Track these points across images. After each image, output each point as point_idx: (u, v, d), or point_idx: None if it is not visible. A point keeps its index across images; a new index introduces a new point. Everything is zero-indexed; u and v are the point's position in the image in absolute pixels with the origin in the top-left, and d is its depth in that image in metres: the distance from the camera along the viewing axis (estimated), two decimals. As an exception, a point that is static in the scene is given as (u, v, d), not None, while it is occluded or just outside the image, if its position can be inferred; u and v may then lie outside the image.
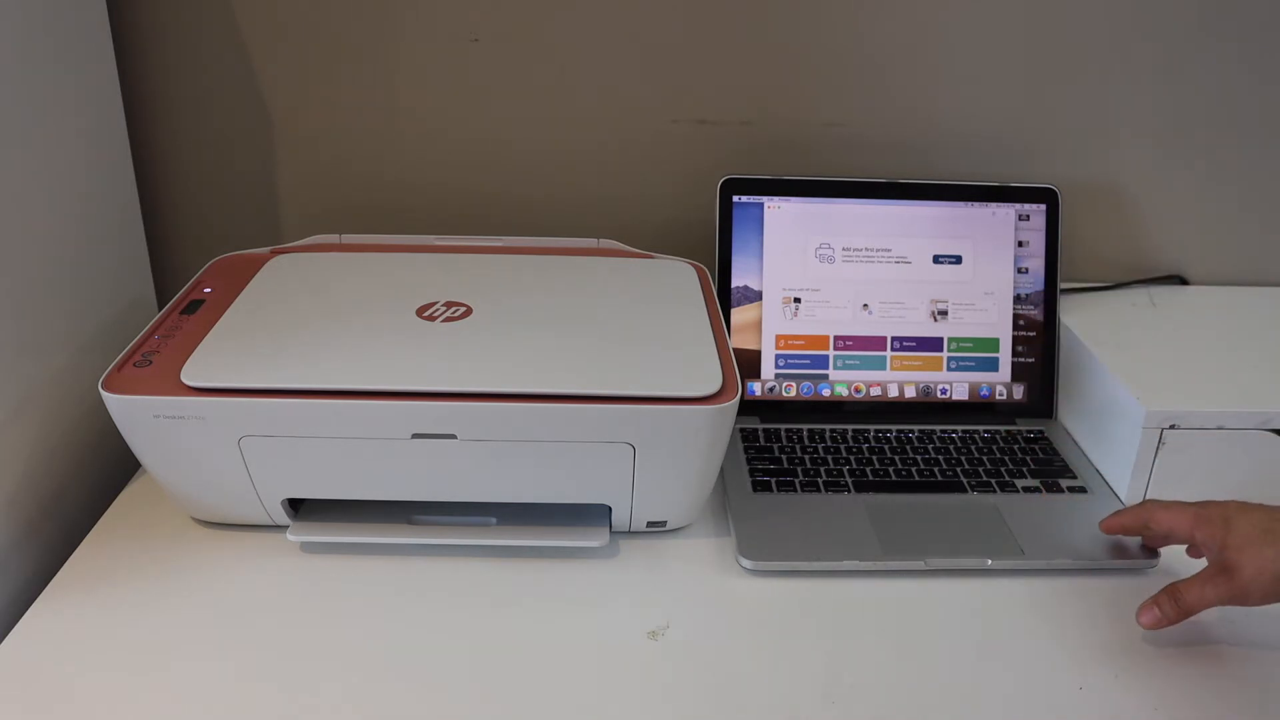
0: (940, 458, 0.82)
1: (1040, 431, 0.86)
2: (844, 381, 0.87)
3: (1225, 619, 0.67)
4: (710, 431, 0.66)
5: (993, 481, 0.79)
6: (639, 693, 0.60)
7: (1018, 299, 0.88)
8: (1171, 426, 0.75)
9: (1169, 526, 0.66)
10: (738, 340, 0.86)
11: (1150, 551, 0.72)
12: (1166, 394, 0.76)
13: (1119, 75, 0.93)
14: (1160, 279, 1.00)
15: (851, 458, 0.81)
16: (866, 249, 0.87)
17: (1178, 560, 0.72)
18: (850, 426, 0.85)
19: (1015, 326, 0.88)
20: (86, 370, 0.78)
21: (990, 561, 0.71)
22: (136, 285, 0.88)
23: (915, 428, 0.86)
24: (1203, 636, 0.66)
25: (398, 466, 0.67)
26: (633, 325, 0.72)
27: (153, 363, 0.67)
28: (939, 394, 0.88)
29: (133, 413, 0.65)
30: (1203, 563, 0.65)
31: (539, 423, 0.65)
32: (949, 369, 0.87)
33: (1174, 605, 0.63)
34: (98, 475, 0.80)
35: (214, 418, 0.64)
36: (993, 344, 0.88)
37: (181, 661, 0.61)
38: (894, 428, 0.85)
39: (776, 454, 0.81)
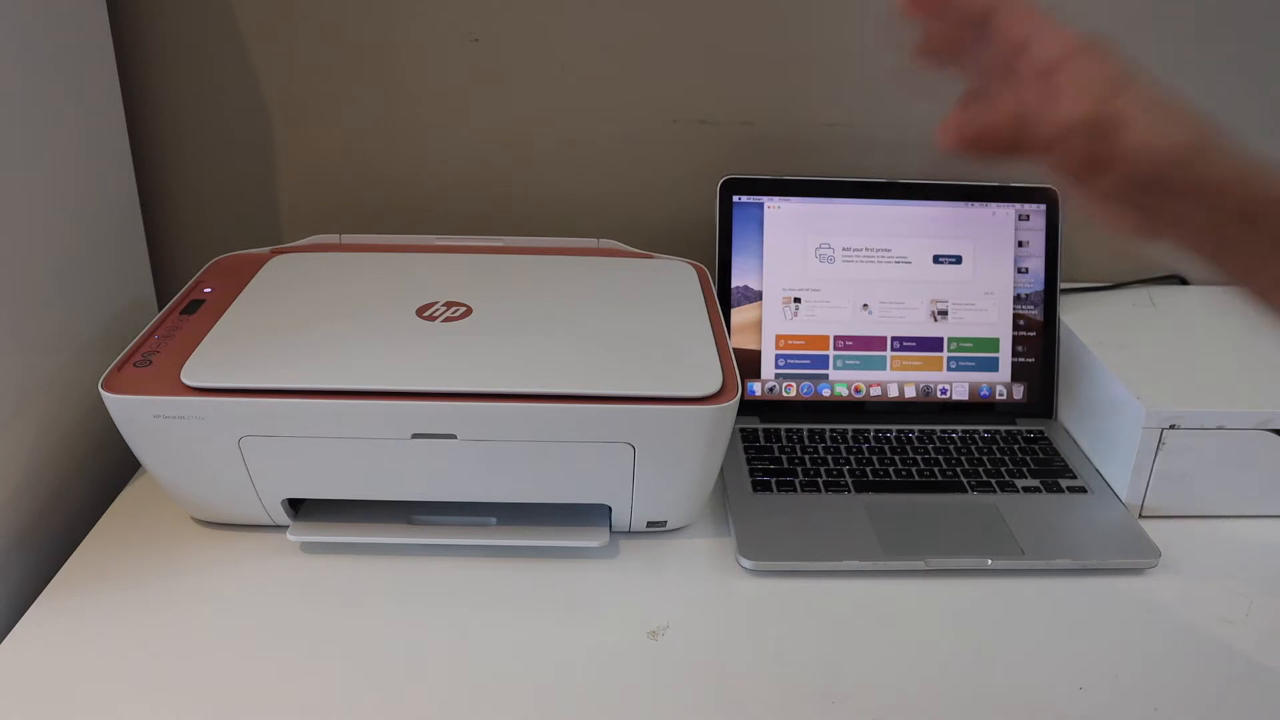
0: (940, 458, 0.82)
1: (1040, 431, 0.86)
2: (844, 381, 0.87)
3: (1224, 619, 0.67)
4: (710, 431, 0.66)
5: (993, 481, 0.79)
6: (639, 693, 0.60)
7: (1018, 299, 0.88)
8: (1171, 426, 0.75)
9: (1027, 36, 0.47)
10: (738, 340, 0.86)
11: (1150, 552, 0.71)
12: (1166, 394, 0.76)
13: (1119, 75, 0.93)
14: (1160, 279, 1.00)
15: (851, 458, 0.81)
16: (866, 249, 0.87)
17: (1181, 557, 0.72)
18: (850, 426, 0.85)
19: (1015, 326, 0.88)
20: (86, 370, 0.78)
21: (990, 561, 0.71)
22: (136, 285, 0.88)
23: (915, 428, 0.86)
24: (1202, 636, 0.66)
25: (398, 466, 0.67)
26: (633, 325, 0.72)
27: (153, 363, 0.67)
28: (939, 394, 0.88)
29: (133, 413, 0.65)
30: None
31: (539, 423, 0.65)
32: (949, 369, 0.87)
33: (1015, 125, 0.46)
34: (98, 475, 0.80)
35: (214, 418, 0.64)
36: (993, 344, 0.88)
37: (181, 661, 0.61)
38: (894, 428, 0.85)
39: (776, 454, 0.81)
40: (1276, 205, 0.45)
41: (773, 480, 0.78)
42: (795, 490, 0.77)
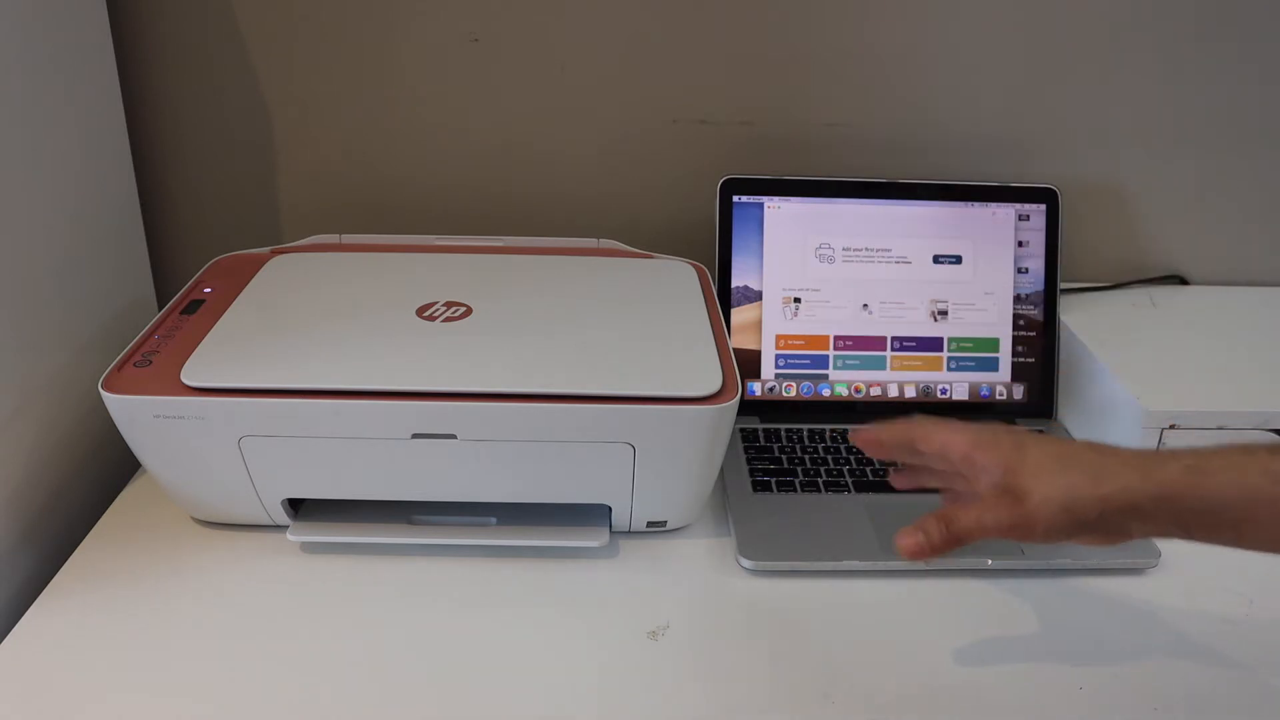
0: (940, 458, 0.82)
1: (1040, 431, 0.86)
2: (844, 381, 0.87)
3: (1224, 619, 0.67)
4: (710, 431, 0.66)
5: (993, 481, 0.79)
6: (639, 693, 0.60)
7: (1018, 299, 0.88)
8: (1171, 426, 0.75)
9: (942, 446, 0.58)
10: (738, 340, 0.86)
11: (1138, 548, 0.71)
12: (1166, 394, 0.76)
13: (1119, 75, 0.93)
14: (1160, 279, 1.00)
15: (851, 458, 0.81)
16: (866, 249, 0.87)
17: (1181, 557, 0.72)
18: (850, 426, 0.85)
19: (1015, 326, 0.88)
20: (86, 370, 0.78)
21: (990, 561, 0.71)
22: (136, 285, 0.88)
23: (915, 428, 0.85)
24: (1203, 636, 0.66)
25: (398, 466, 0.67)
26: (633, 325, 0.72)
27: (153, 363, 0.67)
28: (939, 394, 0.88)
29: (133, 413, 0.65)
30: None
31: (539, 423, 0.65)
32: (949, 369, 0.87)
33: (943, 530, 0.55)
34: (98, 475, 0.80)
35: (214, 418, 0.64)
36: (993, 344, 0.88)
37: (181, 662, 0.61)
38: (894, 428, 0.85)
39: (776, 454, 0.81)
40: (1210, 510, 0.52)
41: (773, 480, 0.78)
42: (795, 490, 0.77)
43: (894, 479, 0.65)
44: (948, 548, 0.55)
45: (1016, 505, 0.54)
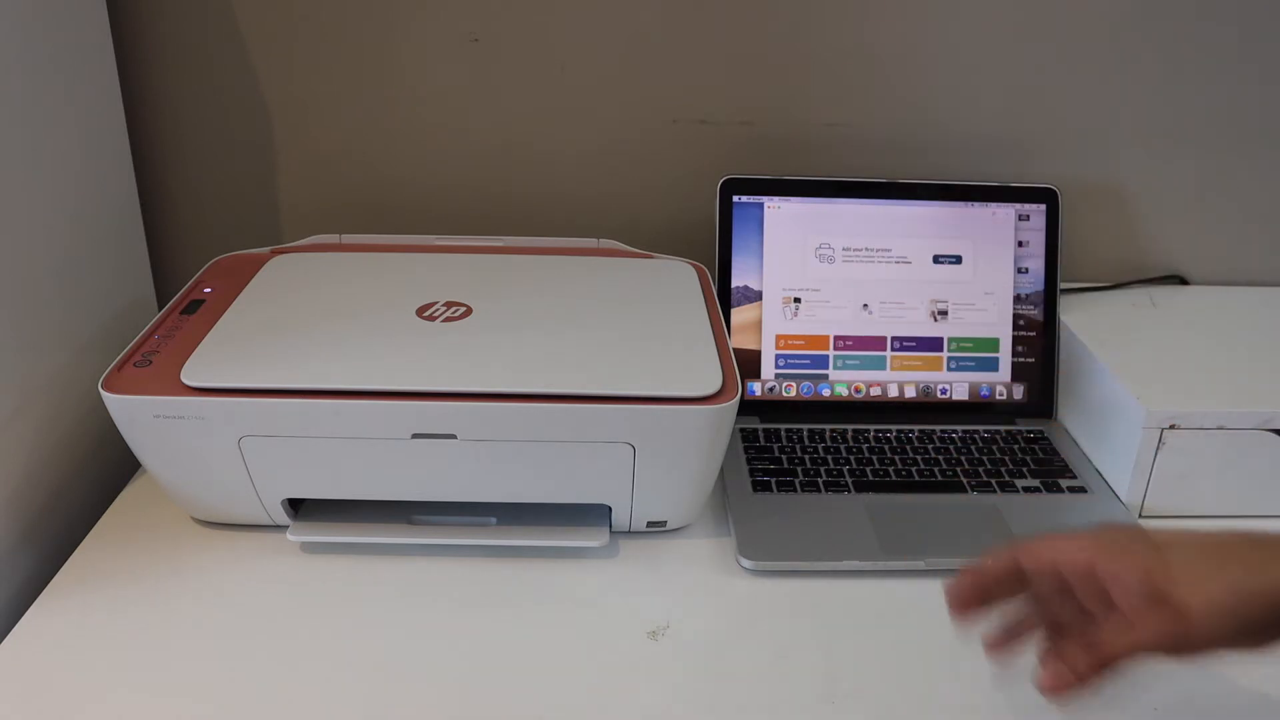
0: (940, 458, 0.82)
1: (1040, 431, 0.86)
2: (844, 381, 0.87)
3: (1225, 619, 0.67)
4: (710, 431, 0.66)
5: (993, 481, 0.79)
6: (639, 693, 0.60)
7: (1018, 299, 0.88)
8: (1171, 426, 0.75)
9: (1053, 562, 0.50)
10: (738, 340, 0.86)
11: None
12: (1166, 394, 0.76)
13: (1119, 75, 0.93)
14: (1160, 279, 1.00)
15: (851, 458, 0.81)
16: (866, 249, 0.87)
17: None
18: (850, 426, 0.85)
19: (1015, 326, 0.88)
20: (86, 370, 0.78)
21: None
22: (136, 285, 0.88)
23: (915, 428, 0.86)
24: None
25: (398, 466, 0.67)
26: (633, 325, 0.72)
27: (153, 363, 0.67)
28: (939, 394, 0.88)
29: (133, 413, 0.65)
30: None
31: (539, 423, 0.65)
32: (949, 369, 0.87)
33: (1089, 658, 0.46)
34: (98, 475, 0.80)
35: (214, 418, 0.64)
36: (993, 344, 0.88)
37: (181, 662, 0.61)
38: (894, 428, 0.85)
39: (776, 454, 0.81)
40: None
41: (773, 480, 0.78)
42: (795, 490, 0.77)
43: (988, 648, 0.56)
44: (1096, 678, 0.46)
45: (1173, 617, 0.45)
